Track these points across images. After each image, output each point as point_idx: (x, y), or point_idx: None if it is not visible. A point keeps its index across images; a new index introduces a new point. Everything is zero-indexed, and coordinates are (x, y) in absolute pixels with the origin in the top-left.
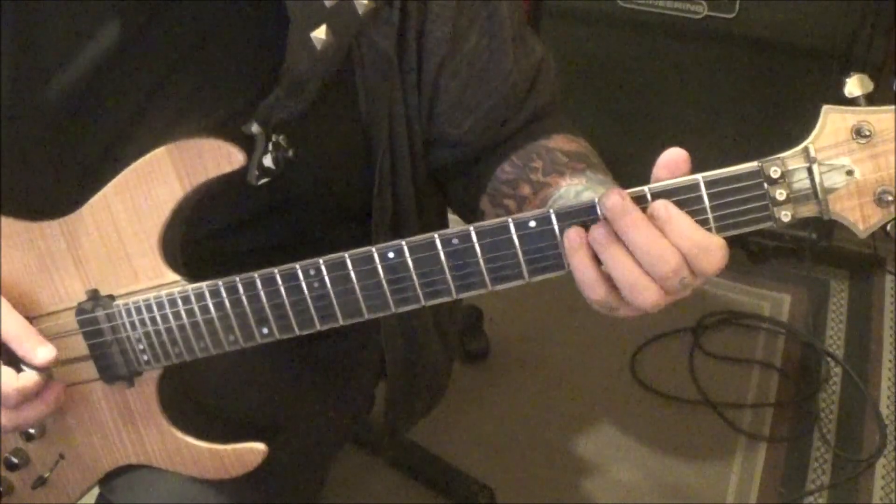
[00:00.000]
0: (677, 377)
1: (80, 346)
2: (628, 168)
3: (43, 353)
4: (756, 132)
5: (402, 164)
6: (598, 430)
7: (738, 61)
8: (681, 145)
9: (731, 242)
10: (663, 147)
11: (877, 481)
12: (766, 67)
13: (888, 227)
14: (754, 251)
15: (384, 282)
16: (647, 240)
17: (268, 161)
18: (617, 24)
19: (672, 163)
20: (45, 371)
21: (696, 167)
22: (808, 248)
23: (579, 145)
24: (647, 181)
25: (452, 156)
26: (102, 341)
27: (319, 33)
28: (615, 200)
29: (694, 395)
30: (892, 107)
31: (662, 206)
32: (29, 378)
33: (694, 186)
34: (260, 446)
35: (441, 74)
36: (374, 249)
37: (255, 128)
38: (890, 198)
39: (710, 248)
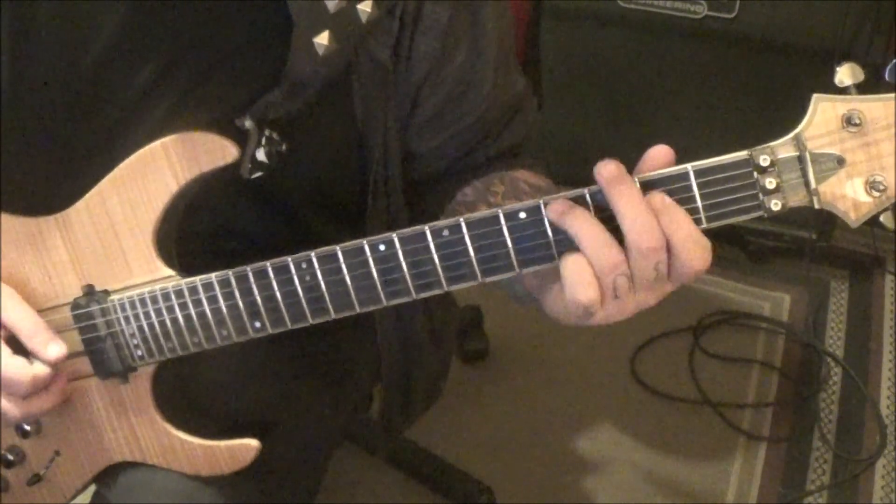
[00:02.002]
0: (677, 377)
1: (75, 341)
2: (628, 167)
3: (53, 349)
4: (756, 132)
5: (395, 172)
6: (598, 430)
7: (738, 61)
8: (680, 144)
9: (732, 242)
10: None
11: (877, 481)
12: (765, 67)
13: (881, 218)
14: (754, 251)
15: (375, 273)
16: (638, 210)
17: (261, 155)
18: (617, 24)
19: (659, 160)
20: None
21: None
22: (808, 248)
23: (544, 182)
24: None
25: (415, 171)
26: (97, 336)
27: (322, 39)
28: (612, 168)
29: (694, 395)
30: (883, 95)
31: (660, 197)
32: (43, 367)
33: (683, 175)
34: (253, 443)
35: (423, 88)
36: (364, 242)
37: (247, 123)
38: (882, 187)
39: (701, 243)
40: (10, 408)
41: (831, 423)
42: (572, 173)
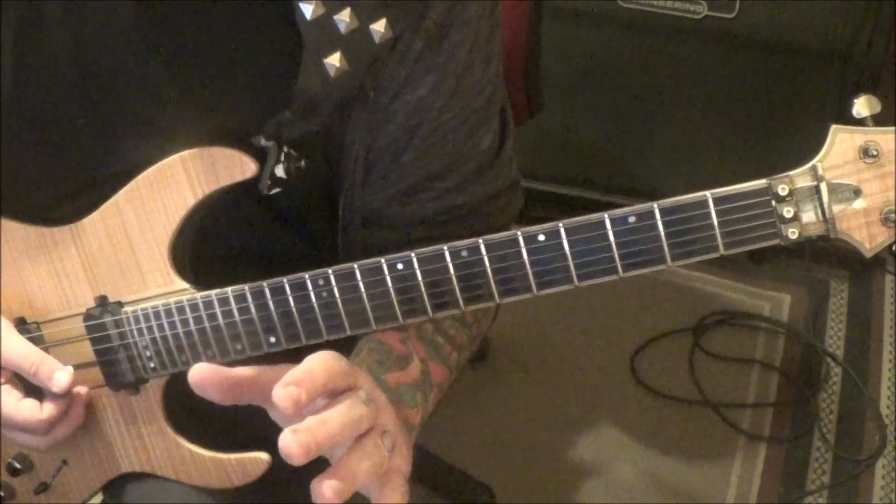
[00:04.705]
0: (677, 377)
1: (87, 352)
2: (628, 167)
3: (59, 378)
4: (756, 132)
5: (357, 199)
6: (598, 430)
7: (738, 61)
8: (681, 145)
9: None
10: (663, 147)
11: (877, 481)
12: (766, 67)
13: (894, 248)
14: (754, 251)
15: (392, 292)
16: None
17: (280, 171)
18: (617, 24)
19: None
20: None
21: (697, 165)
22: (808, 248)
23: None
24: (645, 180)
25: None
26: (109, 347)
27: (333, 60)
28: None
29: (694, 395)
30: None
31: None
32: (52, 408)
33: (702, 203)
34: (264, 456)
35: (381, 113)
36: (383, 260)
37: (263, 141)
38: None
39: None
40: (34, 442)
41: (831, 423)
42: (572, 173)
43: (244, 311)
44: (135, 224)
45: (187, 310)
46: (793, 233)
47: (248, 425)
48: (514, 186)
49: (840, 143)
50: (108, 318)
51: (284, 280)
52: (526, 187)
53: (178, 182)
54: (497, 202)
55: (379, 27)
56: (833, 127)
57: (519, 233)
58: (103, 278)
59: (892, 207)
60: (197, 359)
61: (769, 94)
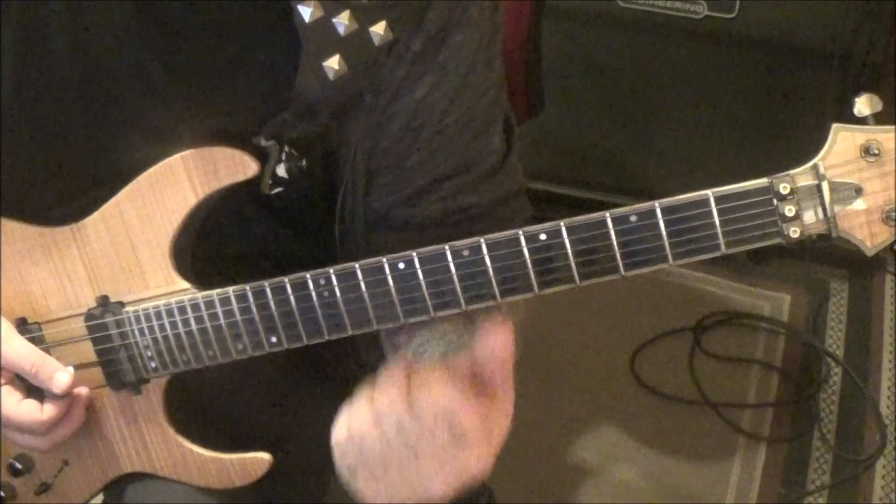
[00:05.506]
0: (677, 377)
1: (88, 352)
2: (628, 167)
3: (60, 379)
4: (756, 132)
5: (358, 201)
6: (598, 430)
7: (738, 61)
8: (681, 145)
9: None
10: (663, 147)
11: (877, 481)
12: (766, 67)
13: (895, 247)
14: (754, 251)
15: (394, 292)
16: None
17: (281, 171)
18: (617, 24)
19: None
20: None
21: (697, 165)
22: (808, 248)
23: None
24: (645, 180)
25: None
26: (110, 347)
27: (332, 63)
28: None
29: (694, 395)
30: None
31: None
32: (53, 408)
33: (704, 202)
34: (265, 456)
35: (381, 116)
36: (384, 259)
37: (264, 141)
38: None
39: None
40: (35, 443)
41: (831, 423)
42: (572, 173)
43: (245, 310)
44: (136, 224)
45: (188, 309)
46: (794, 231)
47: (249, 425)
48: (522, 192)
49: (841, 142)
50: (109, 318)
51: (286, 279)
52: (526, 187)
53: (179, 182)
54: (507, 206)
55: (378, 29)
56: (834, 126)
57: (520, 232)
58: (104, 278)
59: (894, 206)
60: (198, 358)
61: (769, 94)
